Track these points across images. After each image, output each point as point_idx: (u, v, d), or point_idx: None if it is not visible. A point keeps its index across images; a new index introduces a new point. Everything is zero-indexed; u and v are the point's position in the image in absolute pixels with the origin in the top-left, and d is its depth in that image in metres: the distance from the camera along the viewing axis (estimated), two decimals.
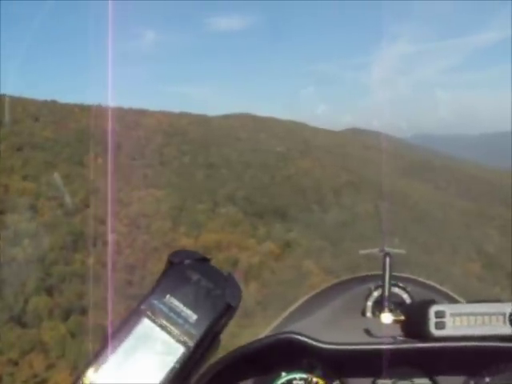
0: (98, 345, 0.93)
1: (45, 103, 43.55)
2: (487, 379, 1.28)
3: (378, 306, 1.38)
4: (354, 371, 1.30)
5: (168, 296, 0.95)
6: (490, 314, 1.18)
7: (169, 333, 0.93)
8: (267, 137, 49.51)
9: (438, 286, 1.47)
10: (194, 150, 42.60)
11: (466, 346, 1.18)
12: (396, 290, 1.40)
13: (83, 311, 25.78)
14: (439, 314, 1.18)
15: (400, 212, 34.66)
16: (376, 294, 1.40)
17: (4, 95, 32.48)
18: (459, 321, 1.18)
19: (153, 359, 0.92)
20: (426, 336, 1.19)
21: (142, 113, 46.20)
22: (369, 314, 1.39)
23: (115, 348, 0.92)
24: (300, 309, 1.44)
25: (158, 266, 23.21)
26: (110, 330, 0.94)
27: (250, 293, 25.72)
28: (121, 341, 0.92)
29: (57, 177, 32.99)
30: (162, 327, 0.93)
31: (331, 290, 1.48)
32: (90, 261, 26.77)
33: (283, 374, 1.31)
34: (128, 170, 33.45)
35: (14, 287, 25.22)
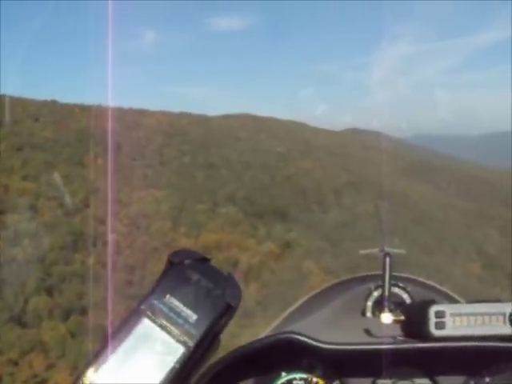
0: (98, 345, 0.93)
1: (45, 103, 43.53)
2: (487, 379, 1.28)
3: (378, 306, 1.37)
4: (354, 371, 1.29)
5: (168, 296, 0.95)
6: (490, 314, 1.18)
7: (169, 333, 0.93)
8: (267, 137, 49.51)
9: (438, 286, 1.46)
10: (193, 150, 42.60)
11: (466, 346, 1.18)
12: (396, 290, 1.39)
13: (83, 311, 25.76)
14: (439, 314, 1.18)
15: (400, 212, 34.66)
16: (376, 293, 1.40)
17: (4, 95, 32.49)
18: (459, 321, 1.18)
19: (153, 359, 0.91)
20: (426, 336, 1.19)
21: (143, 113, 46.22)
22: (369, 314, 1.39)
23: (115, 348, 0.92)
24: (300, 309, 1.43)
25: (157, 266, 23.17)
26: (110, 330, 0.93)
27: (250, 293, 25.71)
28: (121, 341, 0.92)
29: (57, 177, 32.99)
30: (162, 327, 0.93)
31: (331, 290, 1.48)
32: (90, 261, 26.76)
33: (283, 373, 1.30)
34: (128, 170, 33.44)
35: (14, 287, 25.21)
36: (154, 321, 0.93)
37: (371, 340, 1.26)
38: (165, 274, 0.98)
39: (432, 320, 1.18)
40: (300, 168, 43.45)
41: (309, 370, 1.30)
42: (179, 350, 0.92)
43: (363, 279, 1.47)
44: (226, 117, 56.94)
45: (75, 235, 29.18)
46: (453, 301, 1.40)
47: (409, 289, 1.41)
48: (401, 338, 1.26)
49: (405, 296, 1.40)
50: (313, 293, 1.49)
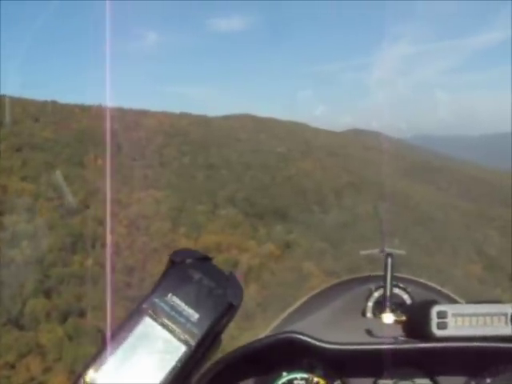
0: (97, 346, 0.93)
1: (45, 104, 43.46)
2: (488, 380, 1.28)
3: (379, 307, 1.38)
4: (355, 371, 1.30)
5: (170, 295, 0.95)
6: (491, 315, 1.19)
7: (170, 332, 0.93)
8: (268, 137, 49.49)
9: (438, 288, 1.48)
10: (194, 151, 42.56)
11: (467, 347, 1.18)
12: (397, 290, 1.40)
13: (81, 314, 25.71)
14: (441, 315, 1.18)
15: (401, 213, 34.60)
16: (377, 294, 1.41)
17: (4, 96, 32.43)
18: (461, 321, 1.19)
19: (154, 358, 0.92)
20: (427, 336, 1.20)
21: (143, 113, 46.15)
22: (369, 315, 1.40)
23: (117, 346, 0.92)
24: (300, 309, 1.45)
25: (157, 267, 23.10)
26: (109, 329, 0.94)
27: (250, 294, 25.62)
28: (122, 339, 0.92)
29: (59, 175, 32.92)
30: (164, 326, 0.93)
31: (331, 290, 1.50)
32: (89, 262, 26.71)
33: (284, 373, 1.31)
34: (128, 170, 33.41)
35: (12, 289, 25.13)
36: (155, 320, 0.94)
37: (373, 340, 1.26)
38: (166, 273, 0.98)
39: (434, 320, 1.18)
40: (300, 168, 43.41)
41: (310, 369, 1.30)
42: (181, 349, 0.93)
43: (364, 280, 1.48)
44: (227, 117, 56.94)
45: (74, 236, 29.13)
46: (453, 302, 1.41)
47: (409, 289, 1.42)
48: (402, 338, 1.26)
49: (405, 297, 1.41)
50: (313, 293, 1.50)
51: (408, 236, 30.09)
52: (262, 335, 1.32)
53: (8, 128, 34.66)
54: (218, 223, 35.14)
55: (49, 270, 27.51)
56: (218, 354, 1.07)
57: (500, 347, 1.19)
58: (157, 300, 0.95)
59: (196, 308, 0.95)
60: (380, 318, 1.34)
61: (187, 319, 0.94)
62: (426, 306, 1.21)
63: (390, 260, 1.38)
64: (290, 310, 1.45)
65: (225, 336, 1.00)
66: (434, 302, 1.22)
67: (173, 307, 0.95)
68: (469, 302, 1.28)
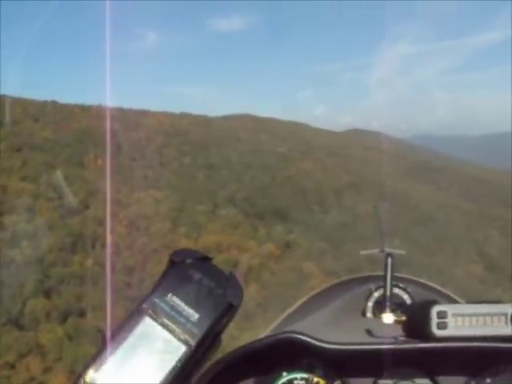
0: (97, 346, 0.93)
1: (45, 104, 43.46)
2: (488, 380, 1.28)
3: (379, 307, 1.38)
4: (356, 371, 1.30)
5: (170, 295, 0.95)
6: (491, 315, 1.19)
7: (170, 332, 0.93)
8: (268, 137, 49.49)
9: (438, 287, 1.48)
10: (194, 151, 42.57)
11: (467, 347, 1.18)
12: (396, 290, 1.40)
13: (81, 314, 25.69)
14: (441, 315, 1.18)
15: (402, 213, 34.59)
16: (377, 294, 1.41)
17: (4, 96, 32.42)
18: (461, 321, 1.19)
19: (154, 358, 0.92)
20: (427, 336, 1.20)
21: (143, 113, 46.17)
22: (369, 315, 1.40)
23: (117, 346, 0.92)
24: (300, 309, 1.45)
25: (157, 267, 23.08)
26: (109, 329, 0.94)
27: (250, 294, 25.60)
28: (122, 339, 0.92)
29: (59, 175, 32.92)
30: (164, 326, 0.93)
31: (331, 290, 1.50)
32: (89, 262, 26.69)
33: (284, 373, 1.30)
34: (128, 170, 33.40)
35: (12, 289, 25.10)
36: (155, 319, 0.93)
37: (373, 340, 1.26)
38: (166, 273, 0.98)
39: (434, 320, 1.18)
40: (300, 169, 43.40)
41: (310, 369, 1.30)
42: (181, 349, 0.93)
43: (364, 280, 1.48)
44: (227, 117, 56.95)
45: (74, 236, 29.11)
46: (453, 302, 1.41)
47: (409, 290, 1.42)
48: (402, 338, 1.26)
49: (405, 297, 1.41)
50: (313, 293, 1.50)
51: (408, 236, 30.08)
52: (261, 335, 1.32)
53: (8, 128, 34.65)
54: (218, 223, 35.13)
55: (49, 270, 27.49)
56: (218, 354, 1.07)
57: (500, 347, 1.19)
58: (157, 300, 0.95)
59: (196, 308, 0.95)
60: (380, 317, 1.34)
61: (187, 319, 0.94)
62: (426, 306, 1.21)
63: (390, 260, 1.38)
64: (290, 310, 1.45)
65: (225, 336, 1.00)
66: (434, 302, 1.22)
67: (173, 307, 0.94)
68: (469, 302, 1.27)
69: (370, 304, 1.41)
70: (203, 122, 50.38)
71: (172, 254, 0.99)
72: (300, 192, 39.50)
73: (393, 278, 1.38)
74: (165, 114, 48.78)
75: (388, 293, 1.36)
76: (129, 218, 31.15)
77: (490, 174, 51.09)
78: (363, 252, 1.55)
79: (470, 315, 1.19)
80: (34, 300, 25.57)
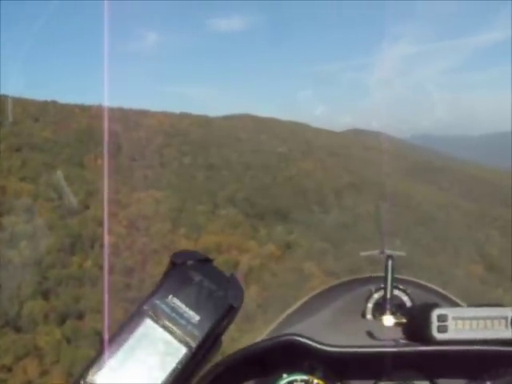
0: (96, 348, 0.93)
1: (45, 104, 43.42)
2: (488, 383, 1.27)
3: (379, 308, 1.39)
4: (356, 373, 1.30)
5: (170, 297, 0.95)
6: (492, 318, 1.19)
7: (171, 333, 0.93)
8: (268, 137, 49.45)
9: (438, 289, 1.49)
10: (194, 151, 42.53)
11: (467, 350, 1.19)
12: (396, 292, 1.41)
13: (79, 316, 25.61)
14: (441, 318, 1.18)
15: (403, 213, 34.53)
16: (376, 295, 1.42)
17: (6, 96, 32.36)
18: (461, 324, 1.19)
19: (155, 359, 0.92)
20: (428, 339, 1.20)
21: (143, 113, 46.11)
22: (369, 316, 1.41)
23: (117, 348, 0.92)
24: (300, 310, 1.45)
25: (157, 268, 23.06)
26: (109, 330, 0.95)
27: (250, 296, 25.54)
28: (123, 341, 0.92)
29: (60, 175, 32.87)
30: (165, 328, 0.93)
31: (331, 291, 1.51)
32: (88, 264, 26.64)
33: (284, 375, 1.29)
34: (128, 170, 33.40)
35: (10, 290, 25.02)
36: (156, 321, 0.94)
37: (373, 343, 1.26)
38: (167, 274, 0.98)
39: (434, 323, 1.18)
40: (301, 169, 43.35)
41: (310, 371, 1.29)
42: (181, 351, 0.92)
43: (364, 281, 1.50)
44: (227, 117, 56.88)
45: (73, 237, 29.05)
46: (453, 303, 1.44)
47: (409, 291, 1.42)
48: (403, 341, 1.26)
49: (405, 298, 1.41)
50: (312, 294, 1.50)
51: (409, 236, 30.08)
52: (261, 337, 1.34)
53: (8, 128, 34.63)
54: (218, 223, 35.10)
55: (47, 271, 27.40)
56: (218, 357, 1.07)
57: (500, 350, 1.19)
58: (157, 302, 0.95)
59: (197, 310, 0.95)
60: (380, 320, 1.35)
61: (188, 321, 0.94)
62: (427, 308, 1.22)
63: (390, 262, 1.39)
64: (290, 310, 1.45)
65: (225, 338, 1.00)
66: (435, 305, 1.22)
67: (173, 309, 0.94)
68: (470, 304, 1.30)
69: (370, 305, 1.41)
70: (203, 122, 50.32)
71: (173, 255, 0.99)
72: (300, 192, 39.46)
73: (393, 279, 1.38)
74: (165, 114, 48.73)
75: (388, 295, 1.37)
76: (128, 219, 31.16)
77: (491, 173, 51.04)
78: (363, 253, 1.57)
79: (471, 318, 1.18)
80: (32, 302, 25.44)
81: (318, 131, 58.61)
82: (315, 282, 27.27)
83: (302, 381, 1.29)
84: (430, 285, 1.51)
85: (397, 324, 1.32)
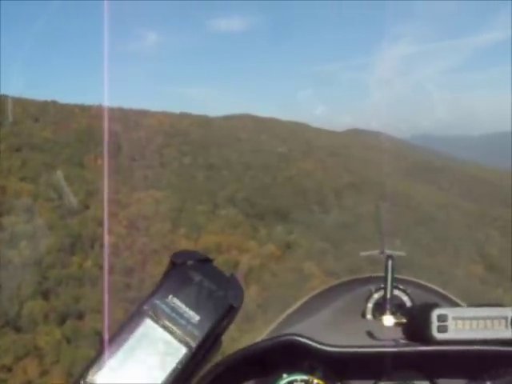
0: (96, 348, 0.94)
1: (45, 104, 43.40)
2: (488, 383, 1.28)
3: (379, 309, 1.39)
4: (356, 373, 1.30)
5: (170, 297, 0.95)
6: (491, 318, 1.19)
7: (171, 333, 0.93)
8: (268, 137, 49.43)
9: (437, 289, 1.50)
10: (194, 151, 42.52)
11: (467, 350, 1.19)
12: (396, 292, 1.41)
13: (79, 316, 25.58)
14: (441, 318, 1.19)
15: (403, 213, 34.52)
16: (376, 295, 1.42)
17: (6, 96, 32.35)
18: (461, 324, 1.19)
19: (155, 359, 0.92)
20: (428, 339, 1.20)
21: (143, 113, 46.09)
22: (369, 316, 1.41)
23: (117, 348, 0.92)
24: (300, 310, 1.46)
25: (157, 268, 23.04)
26: (109, 330, 0.95)
27: (250, 296, 25.53)
28: (123, 341, 0.93)
29: (60, 175, 32.86)
30: (165, 328, 0.94)
31: (331, 291, 1.51)
32: (88, 264, 26.62)
33: (284, 375, 1.29)
34: (128, 170, 33.39)
35: (10, 291, 24.99)
36: (156, 321, 0.94)
37: (373, 343, 1.27)
38: (167, 274, 0.98)
39: (434, 323, 1.19)
40: (301, 169, 43.33)
41: (310, 371, 1.29)
42: (181, 351, 0.93)
43: (364, 281, 1.50)
44: (227, 117, 56.85)
45: (73, 237, 29.02)
46: (453, 303, 1.44)
47: (409, 291, 1.43)
48: (403, 341, 1.26)
49: (405, 298, 1.42)
50: (312, 293, 1.51)
51: (409, 236, 30.07)
52: (261, 337, 1.34)
53: (8, 128, 34.62)
54: (218, 223, 35.08)
55: (47, 271, 27.38)
56: (218, 357, 1.07)
57: (500, 350, 1.19)
58: (158, 302, 0.95)
59: (197, 310, 0.95)
60: (380, 319, 1.35)
61: (188, 321, 0.94)
62: (427, 308, 1.22)
63: (390, 262, 1.39)
64: (290, 310, 1.45)
65: (225, 338, 1.00)
66: (435, 305, 1.23)
67: (173, 309, 0.94)
68: (470, 304, 1.30)
69: (370, 305, 1.41)
70: (203, 122, 50.30)
71: (173, 255, 0.99)
72: (300, 192, 39.45)
73: (393, 279, 1.39)
74: (165, 114, 48.70)
75: (388, 295, 1.37)
76: (128, 219, 31.14)
77: (491, 173, 51.03)
78: (363, 253, 1.58)
79: (471, 318, 1.19)
80: (32, 302, 25.43)
81: (318, 131, 58.59)
82: (315, 282, 27.26)
83: (302, 381, 1.29)
84: (429, 285, 1.51)
85: (397, 324, 1.32)
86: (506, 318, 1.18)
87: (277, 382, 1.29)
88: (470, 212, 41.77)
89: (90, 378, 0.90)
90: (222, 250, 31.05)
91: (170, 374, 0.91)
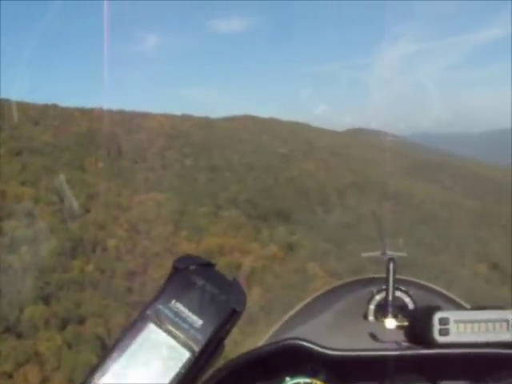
0: (97, 353, 0.89)
1: (45, 107, 43.38)
2: None
3: (381, 310, 1.39)
4: (358, 376, 1.31)
5: (173, 301, 0.96)
6: (493, 321, 1.19)
7: (174, 338, 0.94)
8: (270, 138, 49.46)
9: (439, 289, 1.50)
10: (196, 153, 42.51)
11: (469, 353, 1.20)
12: (398, 293, 1.41)
13: (80, 320, 25.47)
14: (443, 321, 1.19)
15: (405, 212, 34.48)
16: (378, 297, 1.42)
17: (8, 100, 32.33)
18: (463, 327, 1.19)
19: (158, 364, 0.93)
20: (429, 342, 1.20)
21: (144, 116, 46.09)
22: (371, 318, 1.42)
23: (121, 353, 0.93)
24: (302, 312, 1.47)
25: (159, 272, 23.02)
26: (113, 336, 0.82)
27: (253, 298, 25.50)
28: (126, 345, 0.93)
29: (62, 179, 32.81)
30: (168, 332, 0.94)
31: (333, 292, 1.53)
32: (89, 268, 26.55)
33: (287, 378, 1.29)
34: (129, 173, 33.40)
35: (10, 296, 24.92)
36: (159, 326, 0.94)
37: (375, 345, 1.28)
38: (170, 279, 0.99)
39: (436, 327, 1.19)
40: (303, 169, 43.33)
41: (313, 374, 1.30)
42: (185, 355, 0.93)
43: (366, 282, 1.50)
44: (229, 119, 56.84)
45: (74, 241, 28.93)
46: (454, 303, 1.46)
47: (411, 292, 1.43)
48: (405, 344, 1.27)
49: (407, 300, 1.42)
50: (314, 295, 1.52)
51: (412, 235, 30.08)
52: (264, 339, 1.37)
53: (8, 132, 34.61)
54: (220, 225, 35.06)
55: (48, 275, 27.28)
56: (221, 361, 1.07)
57: (502, 353, 1.20)
58: (161, 306, 0.95)
59: (199, 314, 0.95)
60: (382, 322, 1.35)
61: (191, 325, 0.94)
62: (428, 311, 1.22)
63: (392, 264, 1.40)
64: (292, 312, 1.47)
65: (228, 341, 1.00)
66: (437, 308, 1.24)
67: (176, 313, 0.94)
68: (473, 304, 1.33)
69: (372, 307, 1.42)
70: (205, 123, 50.31)
71: (175, 260, 0.99)
72: (303, 193, 39.42)
73: (395, 281, 1.40)
74: (166, 116, 48.69)
75: (390, 297, 1.38)
76: (130, 221, 31.13)
77: (492, 171, 51.00)
78: (364, 254, 1.58)
79: (472, 321, 1.19)
80: (33, 307, 25.32)
81: (320, 131, 58.57)
82: (319, 282, 27.23)
83: None
84: (432, 286, 1.52)
85: (398, 327, 1.32)
86: (507, 321, 1.19)
87: None
88: (473, 210, 41.72)
89: (93, 383, 0.90)
90: (225, 252, 31.06)
91: (174, 379, 0.91)
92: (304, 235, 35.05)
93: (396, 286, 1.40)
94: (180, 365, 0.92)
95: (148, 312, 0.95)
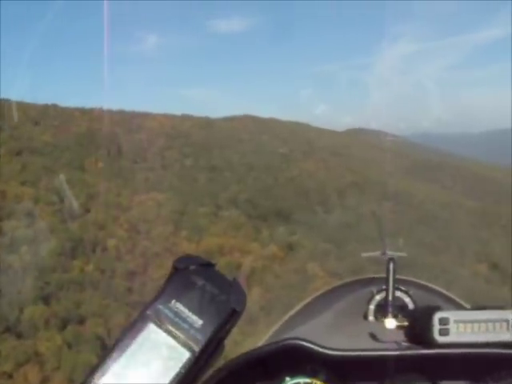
0: (97, 353, 0.88)
1: (45, 107, 43.38)
2: None
3: (381, 310, 1.40)
4: (358, 376, 1.31)
5: (173, 301, 0.96)
6: (493, 321, 1.20)
7: (174, 338, 0.94)
8: (270, 138, 49.46)
9: (440, 290, 1.50)
10: (196, 153, 42.51)
11: (469, 353, 1.20)
12: (398, 293, 1.41)
13: (80, 320, 25.46)
14: (443, 321, 1.19)
15: (405, 212, 34.47)
16: (378, 297, 1.42)
17: (8, 100, 32.33)
18: (463, 327, 1.19)
19: (158, 364, 0.93)
20: (429, 342, 1.21)
21: (144, 116, 46.09)
22: (371, 318, 1.42)
23: (121, 353, 0.93)
24: (302, 312, 1.47)
25: (159, 272, 23.01)
26: (113, 335, 0.82)
27: (253, 298, 25.49)
28: (126, 345, 0.93)
29: (62, 179, 32.81)
30: (168, 332, 0.94)
31: (333, 292, 1.53)
32: (89, 268, 26.53)
33: (287, 378, 1.29)
34: (129, 173, 33.39)
35: (11, 296, 24.91)
36: (159, 326, 0.94)
37: (375, 345, 1.28)
38: (170, 279, 0.99)
39: (436, 327, 1.19)
40: (303, 169, 43.33)
41: (313, 374, 1.30)
42: (185, 355, 0.93)
43: (366, 282, 1.50)
44: (229, 119, 56.84)
45: (74, 241, 28.91)
46: (455, 303, 1.46)
47: (411, 292, 1.43)
48: (405, 344, 1.27)
49: (407, 300, 1.42)
50: (314, 295, 1.52)
51: (412, 235, 30.08)
52: (264, 339, 1.37)
53: (8, 132, 34.61)
54: (220, 225, 35.06)
55: (48, 275, 27.27)
56: (221, 361, 1.07)
57: (502, 353, 1.21)
58: (161, 306, 0.95)
59: (199, 314, 0.95)
60: (382, 322, 1.35)
61: (191, 325, 0.94)
62: (428, 311, 1.23)
63: (391, 264, 1.40)
64: (292, 312, 1.47)
65: (228, 341, 1.00)
66: (436, 308, 1.24)
67: (177, 313, 0.94)
68: (473, 304, 1.33)
69: (372, 307, 1.42)
70: (205, 123, 50.32)
71: (175, 260, 0.99)
72: (303, 193, 39.42)
73: (395, 281, 1.40)
74: (166, 116, 48.69)
75: (390, 297, 1.38)
76: (130, 222, 31.12)
77: (492, 171, 51.02)
78: (364, 254, 1.59)
79: (472, 321, 1.20)
80: (33, 307, 25.31)
81: (320, 131, 58.59)
82: (319, 282, 27.23)
83: None
84: (432, 286, 1.52)
85: (398, 327, 1.32)
86: (507, 321, 1.19)
87: None
88: (473, 210, 41.72)
89: (93, 383, 0.90)
90: (225, 252, 31.06)
91: (174, 379, 0.91)
92: (304, 235, 35.05)
93: (396, 286, 1.40)
94: (180, 365, 0.92)
95: (148, 312, 0.95)
